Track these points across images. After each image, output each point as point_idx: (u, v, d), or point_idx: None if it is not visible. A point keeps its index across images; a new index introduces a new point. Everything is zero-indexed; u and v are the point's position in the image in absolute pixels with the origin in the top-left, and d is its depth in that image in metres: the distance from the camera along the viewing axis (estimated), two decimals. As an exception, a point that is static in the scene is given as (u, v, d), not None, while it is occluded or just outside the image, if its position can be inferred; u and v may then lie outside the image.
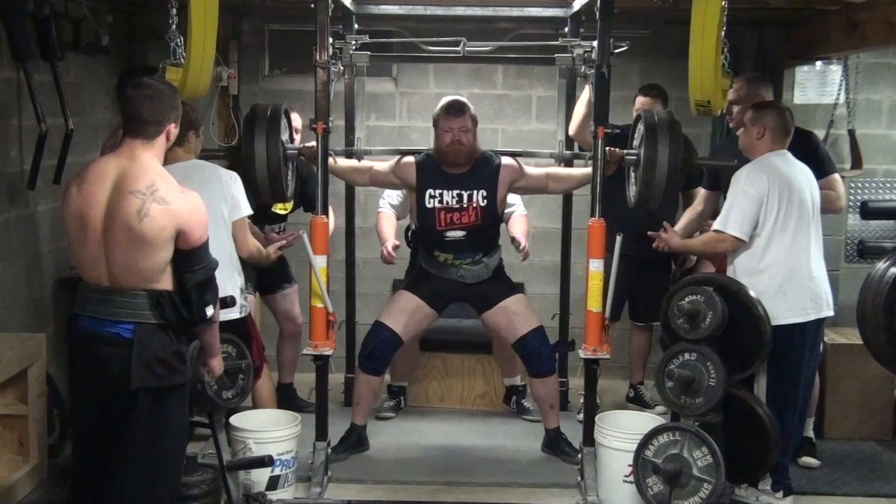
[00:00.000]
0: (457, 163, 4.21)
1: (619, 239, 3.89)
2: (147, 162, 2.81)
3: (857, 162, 5.52)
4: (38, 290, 4.38)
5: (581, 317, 4.08)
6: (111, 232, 2.76)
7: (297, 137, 4.48)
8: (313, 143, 3.99)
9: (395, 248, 4.52)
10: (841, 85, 5.51)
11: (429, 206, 4.25)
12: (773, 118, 3.83)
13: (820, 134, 5.49)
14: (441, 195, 4.23)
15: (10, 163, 4.16)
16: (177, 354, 2.86)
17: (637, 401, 5.10)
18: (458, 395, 5.13)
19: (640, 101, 4.82)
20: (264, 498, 3.71)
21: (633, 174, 4.13)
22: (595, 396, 4.14)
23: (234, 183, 3.89)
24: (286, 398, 4.77)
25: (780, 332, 3.69)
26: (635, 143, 4.11)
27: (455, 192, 4.23)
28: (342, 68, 4.34)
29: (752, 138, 3.86)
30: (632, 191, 4.15)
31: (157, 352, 2.80)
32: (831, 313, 3.85)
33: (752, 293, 3.68)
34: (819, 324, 3.83)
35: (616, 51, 3.96)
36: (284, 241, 4.27)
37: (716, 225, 3.85)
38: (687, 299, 3.68)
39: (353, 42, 4.32)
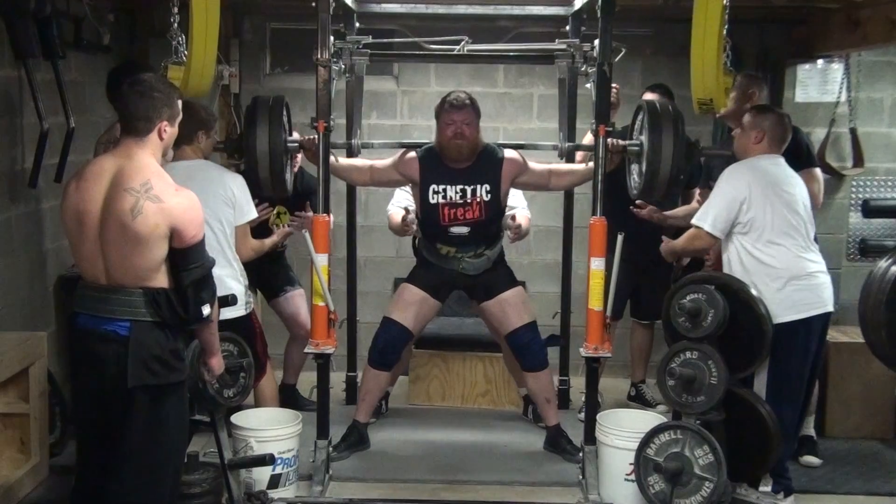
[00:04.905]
0: (459, 158, 4.19)
1: (620, 238, 3.89)
2: (143, 160, 2.81)
3: (858, 160, 5.53)
4: (39, 288, 4.38)
5: (582, 315, 4.08)
6: (106, 229, 2.76)
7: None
8: (314, 137, 3.96)
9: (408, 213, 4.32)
10: (842, 83, 5.51)
11: (432, 201, 4.23)
12: (772, 123, 3.79)
13: (821, 132, 5.52)
14: (445, 190, 4.21)
15: (12, 161, 4.16)
16: (174, 352, 2.86)
17: (638, 399, 5.10)
18: (460, 394, 5.13)
19: (647, 98, 4.79)
20: (265, 496, 3.72)
21: (634, 166, 4.10)
22: (596, 395, 4.15)
23: (239, 187, 3.89)
24: (288, 399, 4.75)
25: (782, 329, 3.68)
26: (636, 133, 4.09)
27: (459, 186, 4.20)
28: (343, 66, 4.33)
29: (748, 141, 3.82)
30: (633, 182, 4.11)
31: (153, 350, 2.79)
32: (831, 309, 3.83)
33: (753, 291, 3.68)
34: (822, 320, 3.80)
35: (616, 58, 3.95)
36: (290, 230, 4.30)
37: (694, 220, 3.84)
38: (688, 297, 3.67)
39: (355, 43, 4.30)
